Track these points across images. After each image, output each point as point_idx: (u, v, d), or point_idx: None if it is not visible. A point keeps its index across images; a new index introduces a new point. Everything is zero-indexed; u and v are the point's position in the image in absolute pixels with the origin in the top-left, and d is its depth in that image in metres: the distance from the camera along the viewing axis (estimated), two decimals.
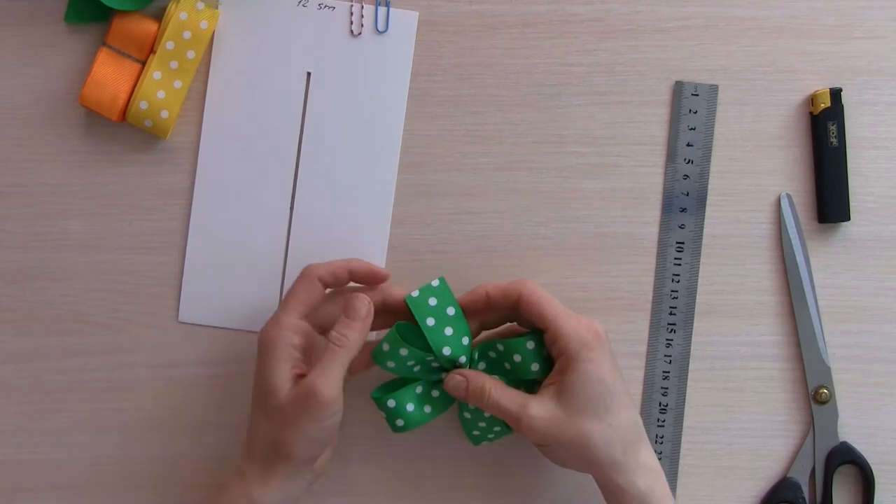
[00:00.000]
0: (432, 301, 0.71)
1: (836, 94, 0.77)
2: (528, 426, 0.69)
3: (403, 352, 0.71)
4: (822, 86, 0.77)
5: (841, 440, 0.78)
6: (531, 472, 0.78)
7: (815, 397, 0.78)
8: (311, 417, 0.68)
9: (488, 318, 0.73)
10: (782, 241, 0.78)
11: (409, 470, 0.78)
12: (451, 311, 0.71)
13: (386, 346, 0.71)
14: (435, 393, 0.73)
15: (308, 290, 0.71)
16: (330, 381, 0.68)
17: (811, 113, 0.77)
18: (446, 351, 0.71)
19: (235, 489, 0.70)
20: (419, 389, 0.73)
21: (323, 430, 0.69)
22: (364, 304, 0.70)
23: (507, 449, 0.78)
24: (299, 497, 0.71)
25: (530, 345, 0.71)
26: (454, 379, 0.71)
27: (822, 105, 0.77)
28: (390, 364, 0.71)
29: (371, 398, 0.73)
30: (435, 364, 0.72)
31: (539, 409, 0.69)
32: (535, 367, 0.71)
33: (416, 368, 0.72)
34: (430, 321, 0.71)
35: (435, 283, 0.71)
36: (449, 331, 0.71)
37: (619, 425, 0.69)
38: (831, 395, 0.78)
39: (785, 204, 0.78)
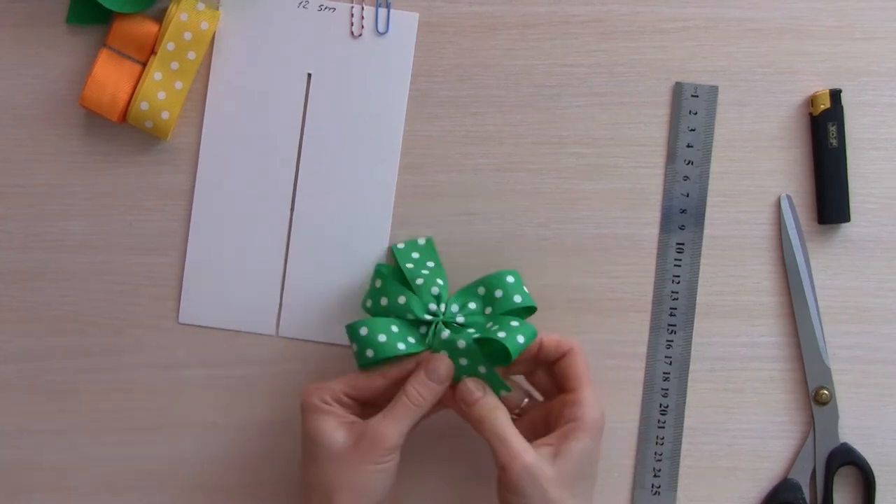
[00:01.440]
0: (415, 255, 0.75)
1: (835, 95, 0.77)
2: (521, 465, 0.67)
3: (384, 301, 0.72)
4: (821, 87, 0.77)
5: (841, 441, 0.78)
6: None
7: (816, 398, 0.78)
8: (371, 460, 0.67)
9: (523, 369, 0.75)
10: (782, 242, 0.78)
11: (409, 470, 0.78)
12: (430, 264, 0.74)
13: (379, 283, 0.73)
14: (411, 339, 0.72)
15: (367, 382, 0.71)
16: (397, 429, 0.68)
17: (811, 114, 0.77)
18: (419, 281, 0.72)
19: None
20: (395, 328, 0.71)
21: (379, 473, 0.68)
22: (445, 366, 0.70)
23: None
24: None
25: (510, 279, 0.73)
26: (470, 382, 0.70)
27: (822, 106, 0.77)
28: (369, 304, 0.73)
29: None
30: (410, 316, 0.72)
31: (536, 458, 0.68)
32: (517, 298, 0.72)
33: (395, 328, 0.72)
34: (410, 265, 0.74)
35: (421, 241, 0.76)
36: (421, 280, 0.73)
37: None
38: (832, 396, 0.78)
39: (785, 205, 0.78)
